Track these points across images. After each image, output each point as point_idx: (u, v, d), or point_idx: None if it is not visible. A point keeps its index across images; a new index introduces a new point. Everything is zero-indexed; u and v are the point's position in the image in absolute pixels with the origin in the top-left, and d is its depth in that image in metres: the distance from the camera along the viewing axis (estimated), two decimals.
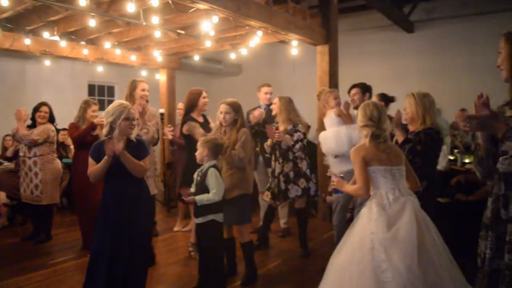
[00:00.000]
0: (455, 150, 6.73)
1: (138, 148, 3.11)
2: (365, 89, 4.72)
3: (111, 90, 10.70)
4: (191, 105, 4.47)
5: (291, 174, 4.47)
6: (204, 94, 4.56)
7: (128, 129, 3.07)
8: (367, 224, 2.64)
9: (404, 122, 3.59)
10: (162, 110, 6.82)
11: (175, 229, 5.59)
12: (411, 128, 3.52)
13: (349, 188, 2.93)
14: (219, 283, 3.53)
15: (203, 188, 3.42)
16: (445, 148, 6.12)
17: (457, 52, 8.54)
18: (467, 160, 6.32)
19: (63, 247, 4.87)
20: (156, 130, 4.51)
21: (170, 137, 5.43)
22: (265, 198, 4.63)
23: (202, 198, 3.37)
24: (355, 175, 2.82)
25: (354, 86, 4.73)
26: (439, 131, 3.46)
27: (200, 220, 3.46)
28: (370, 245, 2.54)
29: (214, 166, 3.48)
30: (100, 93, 10.52)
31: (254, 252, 4.05)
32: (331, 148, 4.24)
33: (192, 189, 3.52)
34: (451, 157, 6.39)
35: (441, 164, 5.75)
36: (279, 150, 4.52)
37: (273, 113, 4.68)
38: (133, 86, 4.38)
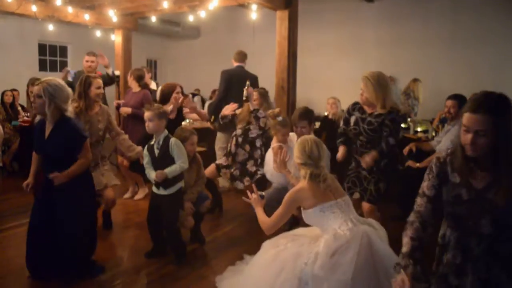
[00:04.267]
0: (408, 119, 6.97)
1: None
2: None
3: (63, 51, 10.24)
4: (164, 99, 4.57)
5: (258, 161, 4.65)
6: (178, 89, 4.57)
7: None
8: (305, 250, 2.55)
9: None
10: (118, 73, 6.61)
11: (125, 196, 5.54)
12: (368, 109, 3.56)
13: (260, 213, 2.81)
14: (183, 249, 3.71)
15: (166, 159, 3.48)
16: None
17: (412, 23, 8.74)
18: (419, 129, 6.58)
19: (15, 212, 4.73)
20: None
21: (128, 111, 5.45)
22: (224, 179, 4.82)
23: (172, 170, 3.45)
24: (280, 211, 2.69)
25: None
26: (404, 115, 3.55)
27: (170, 190, 3.55)
28: (299, 274, 2.46)
29: (170, 136, 3.55)
30: (51, 53, 10.04)
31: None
32: (270, 171, 4.18)
33: (146, 163, 3.58)
34: (404, 126, 6.60)
35: None
36: (244, 137, 4.67)
37: (255, 107, 4.72)
38: (87, 83, 4.01)
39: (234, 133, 4.79)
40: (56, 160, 3.15)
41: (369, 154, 3.50)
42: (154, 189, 3.63)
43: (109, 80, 5.98)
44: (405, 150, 5.04)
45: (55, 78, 3.21)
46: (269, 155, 4.25)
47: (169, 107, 4.35)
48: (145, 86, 5.79)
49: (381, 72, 3.49)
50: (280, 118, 4.18)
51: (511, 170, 1.81)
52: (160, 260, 3.65)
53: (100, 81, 4.10)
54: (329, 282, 2.38)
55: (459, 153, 1.91)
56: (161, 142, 3.52)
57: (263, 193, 3.01)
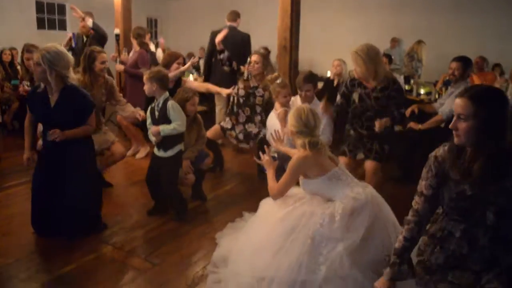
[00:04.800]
0: (411, 80, 6.89)
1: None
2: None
3: (62, 9, 10.04)
4: (165, 67, 4.51)
5: (257, 124, 4.70)
6: (179, 60, 4.63)
7: None
8: (318, 211, 2.56)
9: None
10: (117, 31, 6.49)
11: (127, 153, 5.55)
12: (367, 84, 3.57)
13: (270, 177, 2.80)
14: (184, 206, 3.76)
15: (165, 121, 3.50)
16: (401, 78, 6.26)
17: None
18: (422, 91, 6.51)
19: (16, 170, 4.76)
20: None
21: (121, 69, 5.61)
22: (231, 140, 4.83)
23: (166, 128, 3.47)
24: (285, 178, 2.68)
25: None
26: (407, 77, 3.55)
27: (169, 153, 3.57)
28: (312, 234, 2.46)
29: (169, 98, 3.53)
30: (50, 11, 9.85)
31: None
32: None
33: (148, 124, 3.60)
34: (407, 87, 6.54)
35: None
36: (246, 100, 4.68)
37: (254, 84, 4.70)
38: (91, 58, 3.99)
39: (235, 91, 4.76)
40: (63, 128, 3.11)
41: (382, 120, 3.50)
42: (155, 150, 3.65)
43: (99, 36, 5.92)
44: (407, 112, 5.01)
45: (54, 44, 3.13)
46: (271, 121, 4.16)
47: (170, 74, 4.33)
48: (142, 45, 5.73)
49: (370, 44, 3.47)
50: (279, 81, 4.14)
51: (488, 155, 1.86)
52: (161, 217, 3.70)
53: (104, 56, 4.08)
54: (344, 242, 2.42)
55: (454, 149, 1.96)
56: (160, 105, 3.53)
57: (276, 155, 2.99)
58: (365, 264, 2.42)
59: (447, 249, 2.06)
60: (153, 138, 3.56)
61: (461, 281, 1.98)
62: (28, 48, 5.68)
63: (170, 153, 3.58)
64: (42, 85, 3.15)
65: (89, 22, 5.93)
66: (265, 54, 4.82)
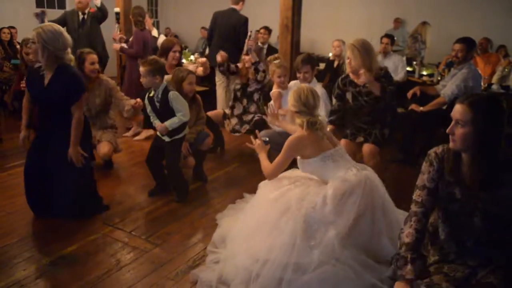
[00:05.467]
0: (414, 62, 6.83)
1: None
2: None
3: None
4: (162, 54, 4.57)
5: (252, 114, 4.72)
6: (175, 48, 4.57)
7: None
8: (311, 193, 2.60)
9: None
10: (117, 9, 6.42)
11: (127, 134, 5.59)
12: (358, 81, 3.56)
13: (263, 159, 2.86)
14: (185, 187, 3.79)
15: (168, 111, 3.50)
16: (404, 59, 6.20)
17: None
18: (424, 72, 6.46)
19: (18, 151, 4.76)
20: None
21: (118, 48, 5.69)
22: (226, 128, 4.82)
23: (172, 122, 3.50)
24: (279, 158, 2.72)
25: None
26: (387, 71, 3.60)
27: (174, 138, 3.59)
28: (305, 217, 2.49)
29: (168, 87, 3.52)
30: None
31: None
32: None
33: (149, 111, 3.61)
34: (409, 69, 6.49)
35: (399, 75, 5.87)
36: (243, 91, 4.70)
37: (255, 59, 4.70)
38: (81, 60, 4.00)
39: (234, 87, 4.83)
40: (55, 109, 3.13)
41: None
42: (159, 134, 3.66)
43: (101, 14, 5.93)
44: (409, 94, 5.00)
45: (52, 24, 3.11)
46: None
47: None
48: (138, 24, 5.72)
49: (365, 39, 3.54)
50: (277, 61, 4.22)
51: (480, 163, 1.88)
52: (163, 197, 3.73)
53: (94, 56, 4.08)
54: (335, 225, 2.44)
55: (451, 153, 1.98)
56: (160, 95, 3.51)
57: (267, 139, 3.03)
58: (357, 247, 2.46)
59: (442, 250, 2.09)
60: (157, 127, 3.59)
61: (456, 274, 1.99)
62: (27, 43, 5.58)
63: (175, 137, 3.61)
64: (37, 65, 3.14)
65: (98, 2, 5.90)
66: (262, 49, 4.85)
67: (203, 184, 4.10)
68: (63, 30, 3.11)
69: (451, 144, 1.93)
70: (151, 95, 3.57)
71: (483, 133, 1.84)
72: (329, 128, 3.76)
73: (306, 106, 2.65)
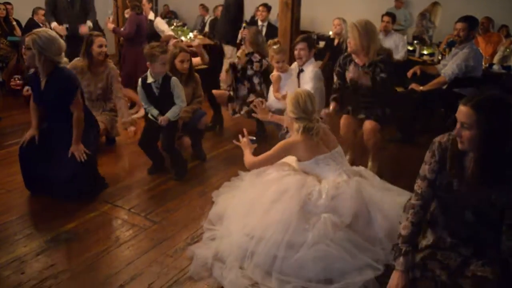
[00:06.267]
0: (415, 41, 6.77)
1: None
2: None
3: None
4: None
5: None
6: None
7: None
8: (310, 183, 2.62)
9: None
10: None
11: (132, 111, 5.56)
12: (358, 61, 3.56)
13: (247, 155, 2.89)
14: (184, 166, 3.82)
15: (167, 97, 3.54)
16: (405, 38, 6.14)
17: None
18: (425, 52, 6.41)
19: (17, 129, 4.76)
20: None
21: (111, 28, 5.66)
22: (228, 111, 4.79)
23: (174, 112, 3.58)
24: (267, 154, 2.77)
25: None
26: (388, 53, 3.59)
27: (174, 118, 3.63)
28: (301, 203, 2.52)
29: (168, 74, 3.56)
30: None
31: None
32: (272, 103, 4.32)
33: (142, 99, 3.63)
34: (410, 48, 6.43)
35: (400, 54, 5.82)
36: (243, 73, 4.63)
37: (249, 50, 4.66)
38: (89, 41, 4.00)
39: (231, 64, 4.73)
40: (55, 109, 3.23)
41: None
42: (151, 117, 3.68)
43: None
44: (409, 73, 4.96)
45: (46, 29, 3.17)
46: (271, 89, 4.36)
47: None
48: (134, 8, 5.70)
49: (369, 21, 3.51)
50: (276, 46, 4.23)
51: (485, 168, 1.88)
52: (161, 176, 3.74)
53: (102, 39, 4.08)
54: (326, 220, 2.46)
55: (455, 144, 1.96)
56: (160, 81, 3.52)
57: (254, 138, 3.12)
58: (351, 230, 2.50)
59: (436, 233, 2.11)
60: (154, 114, 3.60)
61: (449, 262, 2.02)
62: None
63: (174, 118, 3.64)
64: (32, 70, 3.23)
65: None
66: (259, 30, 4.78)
67: (202, 162, 4.11)
68: (55, 35, 3.14)
69: (459, 146, 1.92)
70: (149, 81, 3.54)
71: (489, 134, 1.82)
72: (331, 106, 3.75)
73: (305, 112, 2.68)
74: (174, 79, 3.55)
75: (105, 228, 2.97)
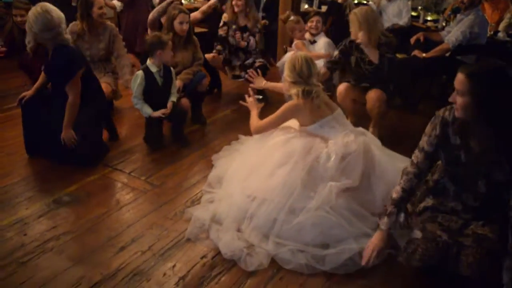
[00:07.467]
0: (419, 7, 6.63)
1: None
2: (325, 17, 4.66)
3: None
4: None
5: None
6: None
7: None
8: (317, 146, 2.63)
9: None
10: None
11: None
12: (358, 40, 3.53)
13: (253, 116, 2.90)
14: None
15: (168, 86, 3.54)
16: (409, 4, 6.01)
17: None
18: (429, 18, 6.28)
19: (16, 92, 4.70)
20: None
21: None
22: (228, 75, 4.74)
23: (175, 98, 3.58)
24: (271, 118, 2.76)
25: (315, 14, 4.58)
26: (390, 40, 3.56)
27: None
28: (308, 168, 2.54)
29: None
30: None
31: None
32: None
33: (137, 95, 3.48)
34: (414, 14, 6.30)
35: (403, 20, 5.72)
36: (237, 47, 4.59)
37: (238, 9, 4.51)
38: (88, 4, 3.83)
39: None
40: (56, 84, 3.24)
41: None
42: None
43: None
44: (413, 39, 4.89)
45: (37, 7, 3.04)
46: (289, 54, 4.37)
47: None
48: None
49: (371, 9, 3.59)
50: (292, 17, 4.39)
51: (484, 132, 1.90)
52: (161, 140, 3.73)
53: (101, 0, 3.94)
54: (331, 188, 2.48)
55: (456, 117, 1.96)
56: (162, 69, 3.48)
57: (260, 96, 3.09)
58: (352, 198, 2.53)
59: (438, 199, 2.14)
60: (148, 112, 3.49)
61: (450, 224, 2.06)
62: (15, 5, 5.28)
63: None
64: None
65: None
66: None
67: (202, 126, 4.10)
68: (50, 8, 3.05)
69: (456, 113, 1.93)
70: (153, 70, 3.44)
71: (483, 102, 1.82)
72: (322, 71, 3.74)
73: (301, 75, 2.66)
74: (172, 68, 3.56)
75: (106, 191, 3.00)
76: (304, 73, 2.65)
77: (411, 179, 2.14)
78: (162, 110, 3.46)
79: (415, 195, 2.25)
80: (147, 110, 3.48)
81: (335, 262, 2.29)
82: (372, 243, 2.20)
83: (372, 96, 3.59)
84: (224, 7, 4.84)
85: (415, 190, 2.19)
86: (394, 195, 2.16)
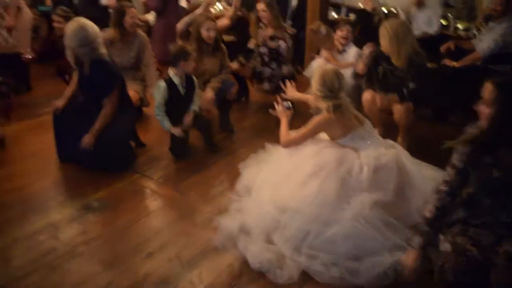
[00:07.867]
0: (449, 15, 6.51)
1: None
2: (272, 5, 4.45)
3: None
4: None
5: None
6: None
7: None
8: (349, 158, 2.63)
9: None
10: None
11: None
12: (393, 60, 3.50)
13: (284, 126, 2.88)
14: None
15: (190, 96, 3.54)
16: (439, 12, 5.91)
17: None
18: (460, 26, 6.16)
19: (48, 99, 4.84)
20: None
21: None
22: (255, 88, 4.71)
23: (198, 106, 3.60)
24: (303, 131, 2.75)
25: (345, 23, 4.62)
26: (421, 54, 3.50)
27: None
28: (341, 180, 2.54)
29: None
30: None
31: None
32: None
33: (161, 106, 3.48)
34: (444, 22, 6.19)
35: (433, 28, 5.63)
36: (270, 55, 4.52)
37: (265, 21, 4.50)
38: (121, 13, 3.95)
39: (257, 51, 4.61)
40: (92, 96, 3.32)
41: None
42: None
43: None
44: (443, 48, 4.80)
45: (74, 22, 3.19)
46: (316, 62, 4.42)
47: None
48: None
49: (404, 22, 3.58)
50: (322, 28, 4.36)
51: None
52: (190, 147, 3.77)
53: (134, 10, 4.06)
54: (370, 196, 2.47)
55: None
56: (184, 79, 3.50)
57: (290, 104, 3.06)
58: (385, 210, 2.49)
59: (470, 212, 2.08)
60: (167, 127, 3.52)
61: (481, 238, 2.00)
62: (56, 12, 5.40)
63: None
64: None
65: None
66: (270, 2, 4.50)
67: (229, 134, 4.12)
68: (86, 24, 3.17)
69: (480, 121, 1.90)
70: (176, 82, 3.46)
71: (508, 115, 1.79)
72: (360, 67, 3.82)
73: (331, 90, 2.66)
74: (193, 77, 3.57)
75: (134, 197, 3.04)
76: (334, 87, 2.65)
77: (443, 198, 2.09)
78: (179, 130, 3.47)
79: (448, 214, 2.20)
80: (167, 125, 3.48)
81: (368, 275, 2.25)
82: (406, 265, 2.12)
83: (400, 107, 3.54)
84: (251, 13, 4.83)
85: (447, 209, 2.13)
86: (428, 215, 2.10)
